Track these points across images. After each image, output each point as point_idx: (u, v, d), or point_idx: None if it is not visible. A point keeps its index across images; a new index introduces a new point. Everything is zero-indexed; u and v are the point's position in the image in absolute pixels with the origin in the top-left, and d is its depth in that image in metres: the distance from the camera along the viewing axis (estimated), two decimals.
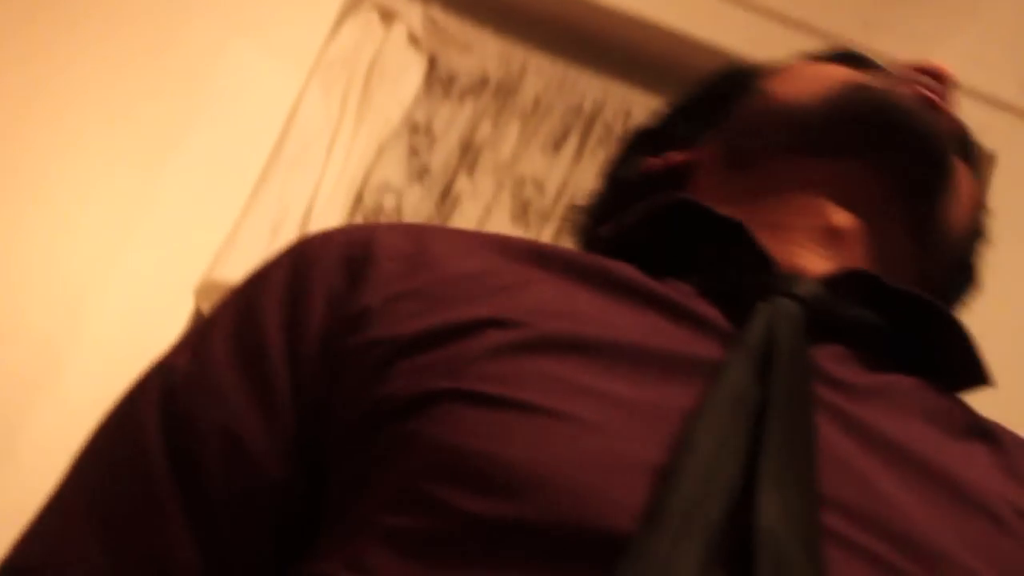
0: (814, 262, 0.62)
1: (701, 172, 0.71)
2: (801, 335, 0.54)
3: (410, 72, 1.86)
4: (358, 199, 1.80)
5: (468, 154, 1.85)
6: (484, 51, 1.89)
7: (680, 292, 0.58)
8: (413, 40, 1.87)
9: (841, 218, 0.64)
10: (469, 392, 0.50)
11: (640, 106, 1.85)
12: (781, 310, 0.55)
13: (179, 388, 0.56)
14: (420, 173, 1.83)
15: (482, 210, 1.82)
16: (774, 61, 0.75)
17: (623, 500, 0.45)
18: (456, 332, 0.52)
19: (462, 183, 1.83)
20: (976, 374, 0.62)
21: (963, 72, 2.24)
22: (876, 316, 0.60)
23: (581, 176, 1.83)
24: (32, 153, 1.69)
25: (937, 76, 0.68)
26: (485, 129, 1.86)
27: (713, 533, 0.44)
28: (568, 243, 0.79)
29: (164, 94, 1.73)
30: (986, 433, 0.58)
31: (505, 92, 1.88)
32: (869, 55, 0.73)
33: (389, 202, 1.80)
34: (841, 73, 0.68)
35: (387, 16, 1.86)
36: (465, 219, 1.81)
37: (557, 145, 1.86)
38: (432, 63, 1.89)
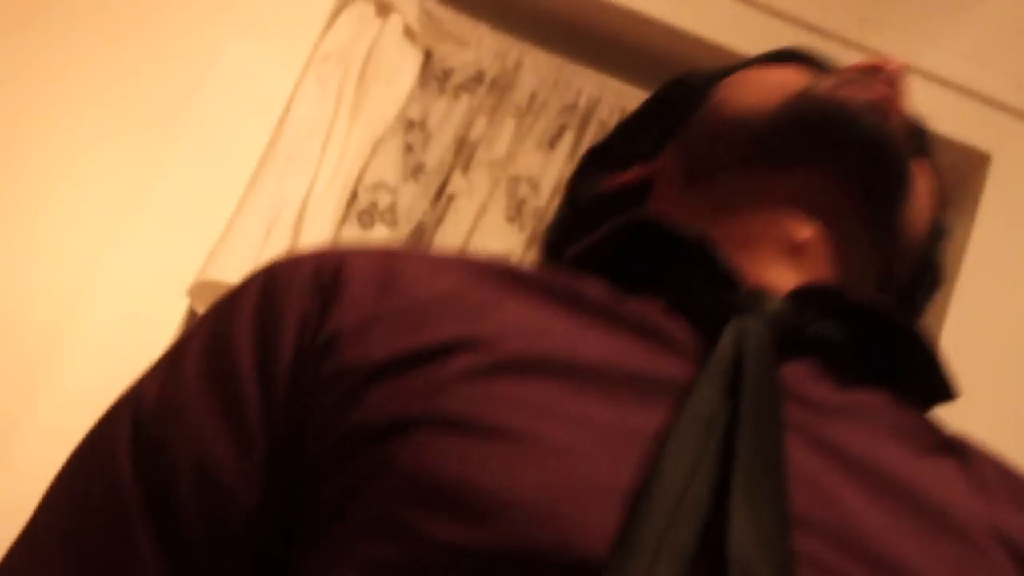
0: (782, 275, 0.62)
1: (662, 186, 0.71)
2: (769, 353, 0.54)
3: (405, 67, 1.85)
4: (353, 197, 1.79)
5: (463, 151, 1.85)
6: (480, 46, 1.88)
7: (649, 310, 0.58)
8: (409, 33, 1.86)
9: (804, 230, 0.64)
10: (442, 417, 0.50)
11: (636, 103, 1.85)
12: (749, 328, 0.55)
13: (150, 417, 0.55)
14: (415, 171, 1.83)
15: (477, 209, 1.81)
16: (724, 67, 0.74)
17: (597, 525, 0.46)
18: (427, 356, 0.52)
19: (457, 181, 1.83)
20: (942, 389, 0.62)
21: (960, 71, 2.25)
22: (843, 331, 0.60)
23: None
24: (24, 150, 1.68)
25: (886, 71, 0.67)
26: (480, 126, 1.85)
27: (687, 557, 0.45)
28: None
29: (157, 91, 1.72)
30: (954, 449, 0.59)
31: (501, 88, 1.87)
32: (814, 53, 0.73)
33: (384, 201, 1.79)
34: (790, 80, 0.68)
35: (383, 8, 1.85)
36: (460, 218, 1.80)
37: (552, 143, 1.85)
38: (427, 58, 1.88)
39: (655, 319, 0.57)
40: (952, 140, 1.87)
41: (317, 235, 1.71)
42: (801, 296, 0.60)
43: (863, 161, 0.64)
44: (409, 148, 1.84)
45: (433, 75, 1.87)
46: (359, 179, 1.80)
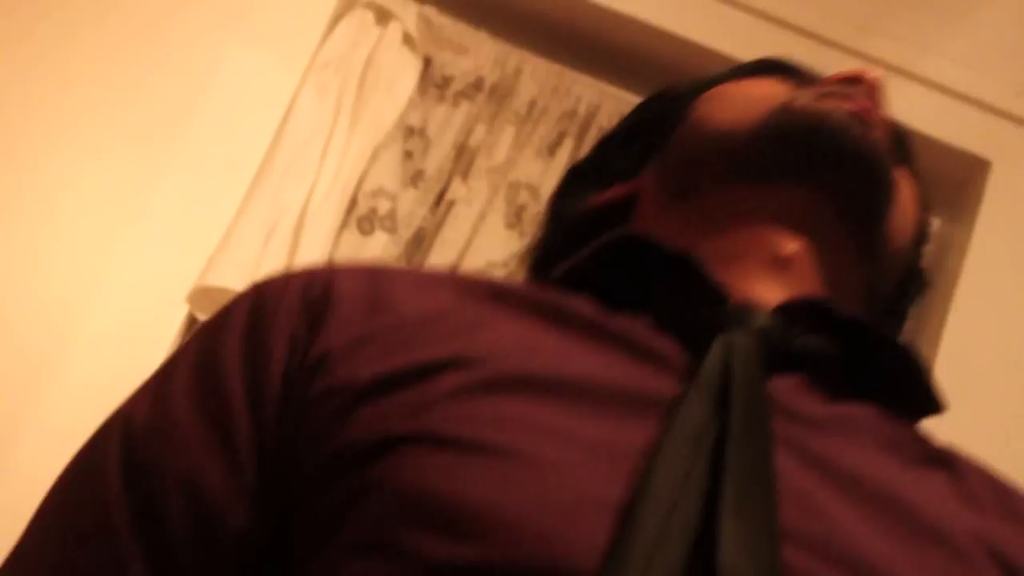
0: (769, 290, 0.62)
1: (646, 203, 0.71)
2: (757, 369, 0.55)
3: (405, 74, 1.86)
4: (352, 204, 1.79)
5: (462, 158, 1.85)
6: (479, 53, 1.88)
7: (637, 327, 0.58)
8: (408, 40, 1.86)
9: (790, 245, 0.64)
10: (431, 436, 0.50)
11: None
12: (736, 344, 0.55)
13: (139, 439, 0.55)
14: (414, 177, 1.83)
15: (476, 215, 1.81)
16: (703, 79, 0.74)
17: (587, 541, 0.46)
18: (415, 375, 0.52)
19: (456, 188, 1.83)
20: (929, 402, 0.62)
21: (959, 78, 2.24)
22: (830, 345, 0.60)
23: None
24: (27, 157, 1.69)
25: (865, 82, 0.67)
26: (480, 133, 1.85)
27: (677, 571, 0.45)
28: None
29: (157, 99, 1.72)
30: (943, 461, 0.59)
31: (500, 95, 1.87)
32: (792, 63, 0.73)
33: (383, 207, 1.80)
34: (770, 93, 0.68)
35: (382, 16, 1.86)
36: (459, 224, 1.80)
37: (552, 150, 1.86)
38: (427, 65, 1.89)
39: (643, 335, 0.57)
40: (952, 147, 1.87)
41: (317, 241, 1.71)
42: (788, 311, 0.60)
43: (846, 174, 0.64)
44: (408, 155, 1.84)
45: (433, 82, 1.88)
46: (359, 186, 1.80)
